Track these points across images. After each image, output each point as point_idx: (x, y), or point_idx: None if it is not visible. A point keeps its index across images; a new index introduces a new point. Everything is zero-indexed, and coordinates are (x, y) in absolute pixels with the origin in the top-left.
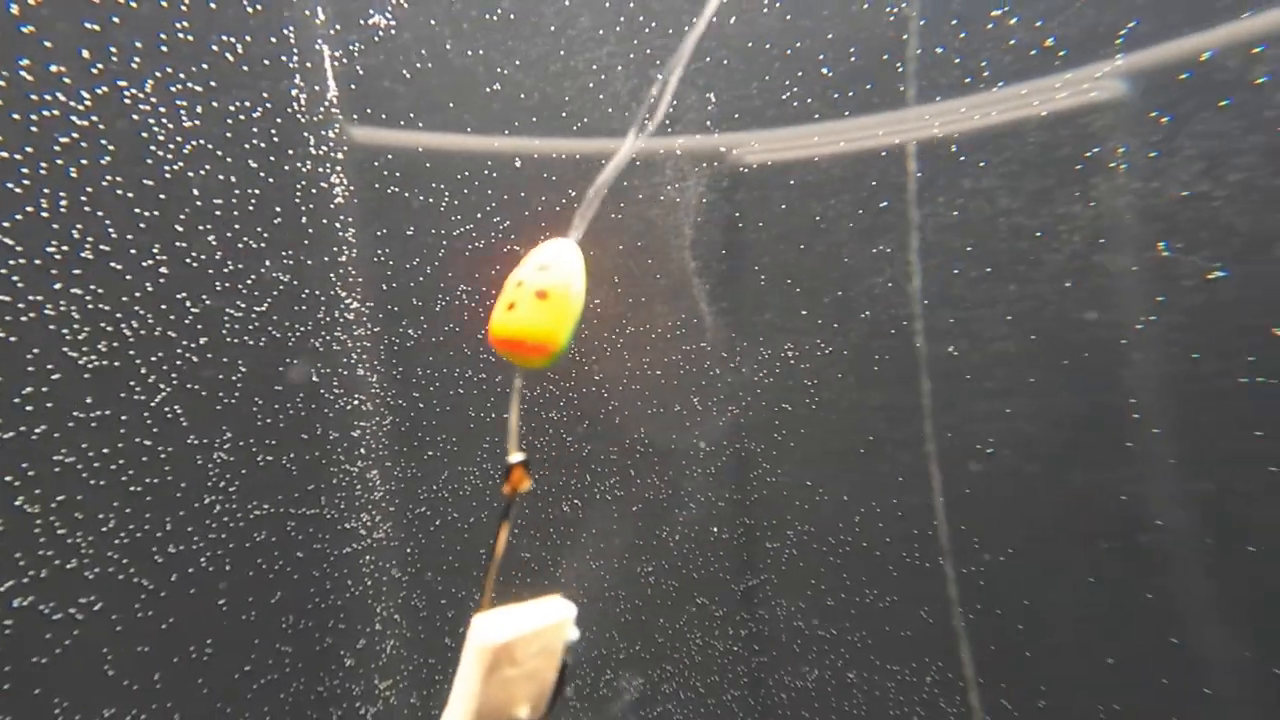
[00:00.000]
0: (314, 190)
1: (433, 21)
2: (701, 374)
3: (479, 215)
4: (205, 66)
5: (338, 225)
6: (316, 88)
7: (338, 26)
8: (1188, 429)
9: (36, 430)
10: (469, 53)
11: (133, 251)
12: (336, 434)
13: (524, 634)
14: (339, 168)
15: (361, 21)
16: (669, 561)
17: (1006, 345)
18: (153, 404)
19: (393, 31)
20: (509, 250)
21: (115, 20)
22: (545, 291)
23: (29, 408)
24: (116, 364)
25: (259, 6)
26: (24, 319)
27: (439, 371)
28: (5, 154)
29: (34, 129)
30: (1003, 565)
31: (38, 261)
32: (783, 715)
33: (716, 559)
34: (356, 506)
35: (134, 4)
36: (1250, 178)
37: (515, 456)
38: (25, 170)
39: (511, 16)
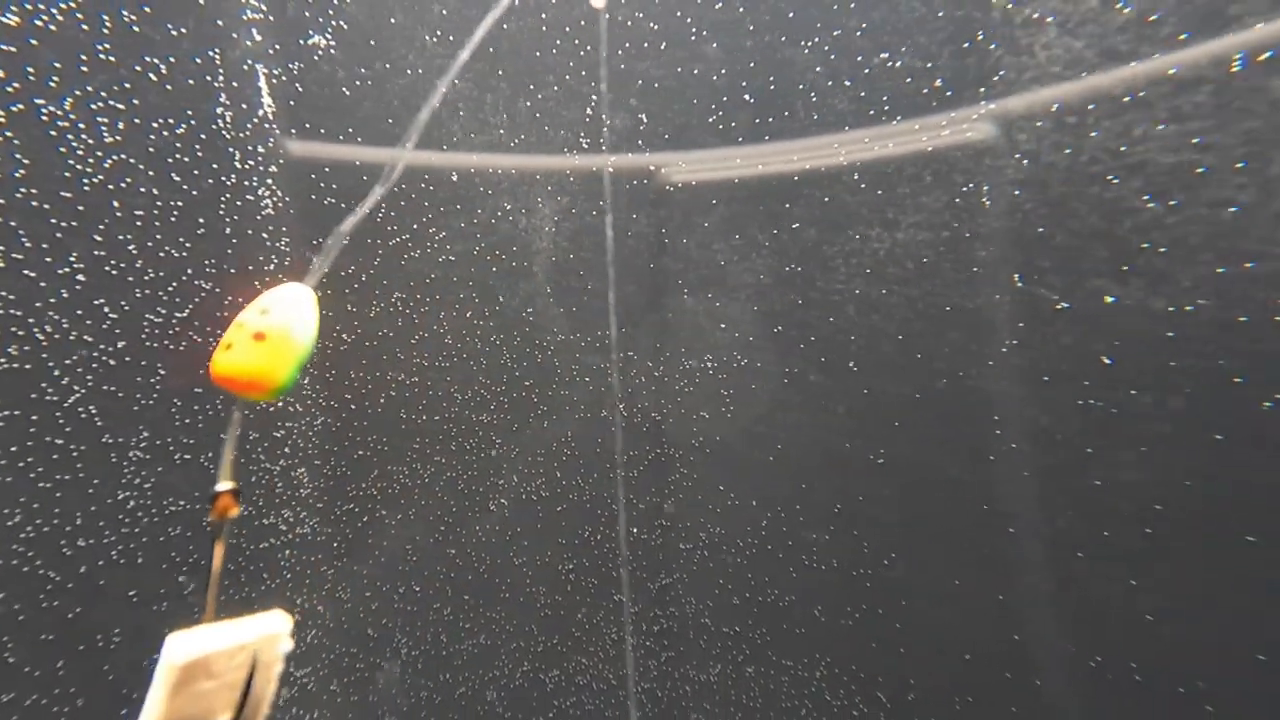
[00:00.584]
0: (239, 203)
1: (372, 41)
2: (627, 381)
3: (415, 226)
4: (127, 86)
5: (265, 236)
6: (244, 105)
7: (276, 46)
8: (1039, 445)
9: None
10: (408, 71)
11: (48, 259)
12: (257, 434)
13: (222, 649)
14: (270, 181)
15: (301, 42)
16: (590, 559)
17: (894, 384)
18: (65, 405)
19: (332, 50)
20: (444, 259)
21: (33, 42)
22: (263, 333)
23: None
24: (27, 366)
25: (183, 30)
26: None
27: (371, 375)
28: None
29: None
30: (885, 569)
31: None
32: (686, 707)
33: (634, 558)
34: (277, 504)
35: (53, 28)
36: (1083, 220)
37: (223, 485)
38: None
39: (450, 37)
